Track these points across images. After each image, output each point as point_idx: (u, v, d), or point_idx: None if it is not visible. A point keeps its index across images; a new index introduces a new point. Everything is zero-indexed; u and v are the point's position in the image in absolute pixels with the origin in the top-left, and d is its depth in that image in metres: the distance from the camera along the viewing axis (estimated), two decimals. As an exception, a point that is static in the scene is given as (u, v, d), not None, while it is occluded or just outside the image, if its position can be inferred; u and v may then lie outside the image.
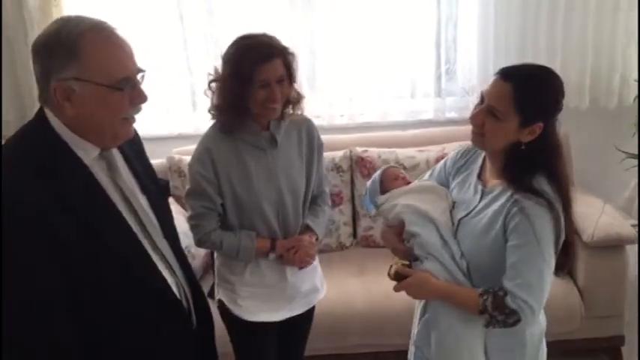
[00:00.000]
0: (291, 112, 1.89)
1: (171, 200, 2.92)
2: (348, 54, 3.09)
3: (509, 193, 1.45)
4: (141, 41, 3.07)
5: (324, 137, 3.00)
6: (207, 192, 1.82)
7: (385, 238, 1.73)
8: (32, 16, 2.95)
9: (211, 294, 2.11)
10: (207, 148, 1.83)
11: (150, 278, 1.35)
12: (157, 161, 3.09)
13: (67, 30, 1.19)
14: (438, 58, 3.10)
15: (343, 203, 2.93)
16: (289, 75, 1.79)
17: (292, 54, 1.79)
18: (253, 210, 1.85)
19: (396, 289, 1.57)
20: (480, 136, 1.48)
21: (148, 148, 3.04)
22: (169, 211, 1.56)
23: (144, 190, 1.42)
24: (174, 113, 3.25)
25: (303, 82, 3.15)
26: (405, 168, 2.80)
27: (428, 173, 1.81)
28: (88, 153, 1.27)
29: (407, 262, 1.59)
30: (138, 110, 1.30)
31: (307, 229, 1.96)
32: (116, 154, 1.36)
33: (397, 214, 1.66)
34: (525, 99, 1.41)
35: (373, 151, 2.91)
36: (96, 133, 1.26)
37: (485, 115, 1.45)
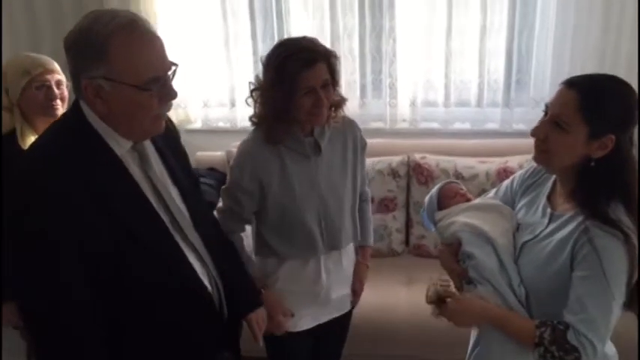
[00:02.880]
0: (334, 115, 1.83)
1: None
2: (415, 57, 3.03)
3: (579, 219, 1.33)
4: (206, 35, 3.16)
5: (383, 141, 3.01)
6: (238, 197, 1.80)
7: (441, 258, 1.61)
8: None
9: None
10: (248, 152, 1.79)
11: (179, 269, 1.36)
12: (216, 154, 3.19)
13: (97, 29, 1.19)
14: (509, 67, 2.97)
15: (397, 209, 2.87)
16: (333, 79, 1.74)
17: (336, 57, 1.74)
18: (294, 218, 1.80)
19: (436, 314, 1.45)
20: (543, 152, 1.37)
21: (211, 141, 3.09)
22: (202, 202, 1.57)
23: (175, 181, 1.43)
24: (237, 107, 3.28)
25: (367, 84, 3.15)
26: (462, 178, 2.72)
27: (493, 191, 1.69)
28: (120, 144, 1.29)
29: (447, 284, 1.48)
30: (168, 107, 1.31)
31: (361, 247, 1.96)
32: (148, 146, 1.38)
33: (454, 233, 1.55)
34: (593, 106, 1.29)
35: (432, 159, 2.84)
36: (126, 129, 1.28)
37: (549, 128, 1.33)
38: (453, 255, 1.55)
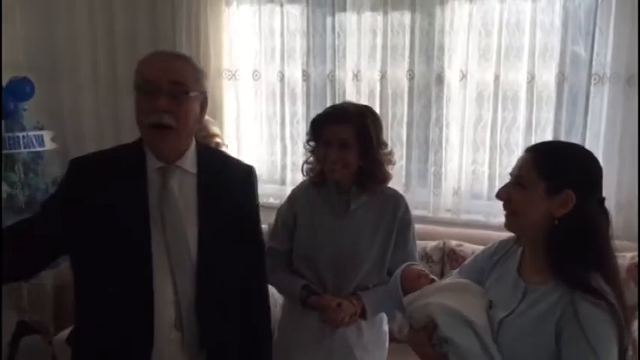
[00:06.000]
0: (371, 185, 1.89)
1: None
2: (461, 147, 3.08)
3: (560, 292, 1.29)
4: (264, 115, 3.42)
5: (424, 227, 3.00)
6: (277, 233, 1.99)
7: (413, 343, 1.50)
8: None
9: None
10: (294, 192, 2.03)
11: (138, 289, 1.44)
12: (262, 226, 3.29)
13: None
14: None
15: (430, 296, 2.81)
16: (363, 144, 1.82)
17: (368, 126, 1.82)
18: (308, 263, 1.91)
19: None
20: (510, 215, 1.40)
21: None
22: (230, 256, 1.57)
23: (201, 223, 1.50)
24: (287, 186, 3.40)
25: (413, 171, 3.21)
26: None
27: (456, 271, 1.67)
28: (152, 163, 1.48)
29: None
30: (159, 118, 1.41)
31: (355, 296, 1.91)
32: (185, 176, 1.52)
33: (429, 314, 1.45)
34: (546, 161, 1.35)
35: (468, 247, 2.79)
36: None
37: (511, 188, 1.40)
38: (427, 339, 1.45)
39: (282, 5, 3.28)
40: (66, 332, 2.70)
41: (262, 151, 3.51)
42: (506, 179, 3.08)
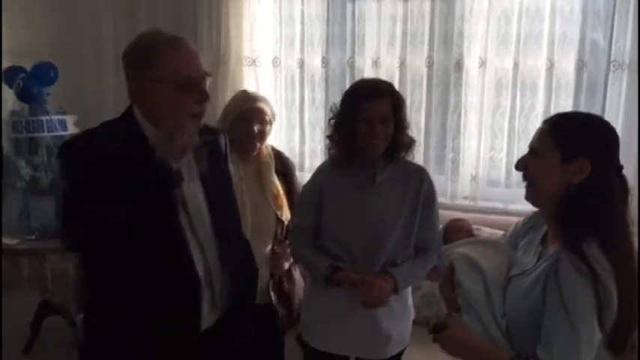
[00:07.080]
0: (402, 156, 1.97)
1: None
2: (479, 134, 3.09)
3: (559, 251, 1.36)
4: (283, 101, 3.44)
5: (441, 212, 2.98)
6: (303, 210, 2.03)
7: (441, 287, 1.69)
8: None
9: None
10: (318, 172, 2.06)
11: (178, 258, 1.51)
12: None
13: (144, 42, 1.48)
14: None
15: (447, 279, 2.84)
16: (397, 117, 1.89)
17: (400, 98, 1.90)
18: (336, 238, 1.94)
19: (434, 339, 1.51)
20: (529, 186, 1.45)
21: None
22: (229, 209, 1.74)
23: (204, 183, 1.61)
24: (305, 173, 3.41)
25: (430, 158, 3.24)
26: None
27: (503, 232, 1.77)
28: None
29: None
30: (203, 109, 1.51)
31: (385, 273, 1.94)
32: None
33: (451, 262, 1.63)
34: (561, 130, 1.39)
35: (485, 231, 2.78)
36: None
37: (527, 158, 1.45)
38: (449, 283, 1.60)
39: (302, -7, 3.33)
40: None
41: (281, 137, 3.54)
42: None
